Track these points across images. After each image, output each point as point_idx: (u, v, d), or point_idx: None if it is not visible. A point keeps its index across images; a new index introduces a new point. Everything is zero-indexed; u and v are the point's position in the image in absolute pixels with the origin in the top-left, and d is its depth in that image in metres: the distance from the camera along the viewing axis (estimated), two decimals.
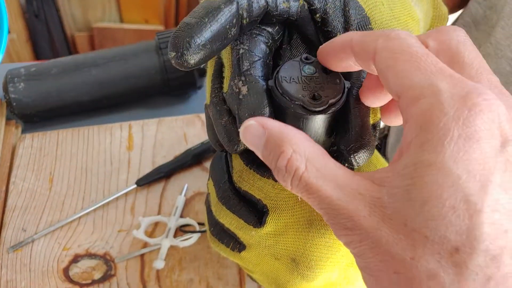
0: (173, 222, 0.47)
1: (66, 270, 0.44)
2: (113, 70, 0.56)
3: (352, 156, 0.27)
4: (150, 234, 0.47)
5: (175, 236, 0.47)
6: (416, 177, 0.18)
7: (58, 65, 0.56)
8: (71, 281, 0.44)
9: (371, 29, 0.29)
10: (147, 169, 0.52)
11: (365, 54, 0.22)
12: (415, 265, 0.18)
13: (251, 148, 0.24)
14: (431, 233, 0.18)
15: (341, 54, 0.24)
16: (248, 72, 0.26)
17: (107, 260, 0.45)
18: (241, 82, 0.26)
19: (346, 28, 0.28)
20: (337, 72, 0.26)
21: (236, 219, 0.30)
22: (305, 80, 0.26)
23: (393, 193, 0.19)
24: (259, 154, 0.24)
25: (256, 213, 0.30)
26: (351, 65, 0.24)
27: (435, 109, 0.18)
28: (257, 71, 0.26)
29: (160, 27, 1.68)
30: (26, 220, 0.48)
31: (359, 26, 0.29)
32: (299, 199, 0.28)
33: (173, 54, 0.23)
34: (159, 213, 0.49)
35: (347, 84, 0.26)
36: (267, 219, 0.29)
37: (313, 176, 0.21)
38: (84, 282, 0.44)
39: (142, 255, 0.45)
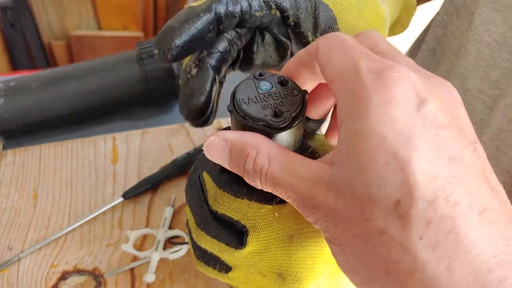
0: (162, 234, 0.47)
1: None
2: (94, 81, 0.55)
3: None
4: (139, 247, 0.47)
5: (164, 248, 0.46)
6: (350, 146, 0.21)
7: (38, 79, 0.55)
8: None
9: (337, 29, 0.33)
10: (133, 181, 0.51)
11: (310, 57, 0.25)
12: (368, 225, 0.20)
13: (217, 162, 0.26)
14: (374, 193, 0.20)
15: (297, 71, 0.27)
16: (203, 59, 0.31)
17: (96, 276, 0.45)
18: (194, 64, 0.31)
19: (315, 28, 0.33)
20: (294, 82, 0.27)
21: (218, 243, 0.31)
22: (263, 98, 0.26)
23: (339, 167, 0.21)
24: (226, 165, 0.26)
25: (236, 234, 0.30)
26: (307, 80, 0.27)
27: (356, 84, 0.21)
28: (212, 60, 0.31)
29: (139, 34, 1.67)
30: (11, 238, 0.47)
31: (327, 26, 0.33)
32: (276, 215, 0.29)
33: (156, 51, 0.29)
34: (147, 226, 0.48)
35: (305, 92, 0.27)
36: (247, 239, 0.29)
37: (276, 171, 0.23)
38: None
39: (132, 269, 0.45)
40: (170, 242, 0.47)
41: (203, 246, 0.32)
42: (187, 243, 0.46)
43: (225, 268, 0.32)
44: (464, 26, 0.49)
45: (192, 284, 0.44)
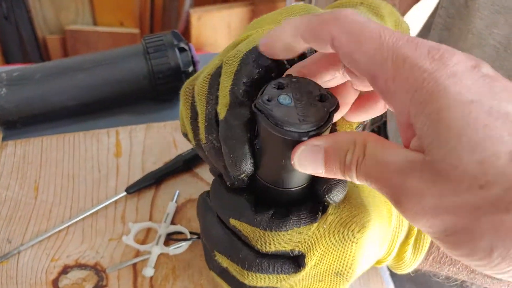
0: (164, 229, 0.46)
1: (55, 282, 0.43)
2: (100, 74, 0.55)
3: (327, 196, 0.30)
4: (143, 242, 0.46)
5: (167, 244, 0.46)
6: (437, 125, 0.20)
7: (43, 69, 0.54)
8: None
9: None
10: (136, 175, 0.51)
11: (321, 41, 0.24)
12: (488, 190, 0.19)
13: (309, 170, 0.25)
14: (482, 156, 0.19)
15: (289, 39, 0.26)
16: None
17: (98, 271, 0.44)
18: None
19: None
20: (289, 76, 0.26)
21: (275, 276, 0.32)
22: (300, 105, 0.25)
23: (431, 149, 0.21)
24: (320, 170, 0.25)
25: (289, 261, 0.32)
26: (296, 49, 0.26)
27: (415, 71, 0.21)
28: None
29: (136, 30, 1.66)
30: (11, 230, 0.46)
31: None
32: (325, 227, 0.31)
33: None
34: (150, 221, 0.48)
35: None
36: (305, 260, 0.31)
37: (370, 164, 0.23)
38: None
39: (134, 264, 0.44)
40: (170, 239, 0.46)
41: (259, 285, 0.33)
42: (188, 239, 0.46)
43: None
44: (467, 28, 0.50)
45: (196, 281, 0.44)
